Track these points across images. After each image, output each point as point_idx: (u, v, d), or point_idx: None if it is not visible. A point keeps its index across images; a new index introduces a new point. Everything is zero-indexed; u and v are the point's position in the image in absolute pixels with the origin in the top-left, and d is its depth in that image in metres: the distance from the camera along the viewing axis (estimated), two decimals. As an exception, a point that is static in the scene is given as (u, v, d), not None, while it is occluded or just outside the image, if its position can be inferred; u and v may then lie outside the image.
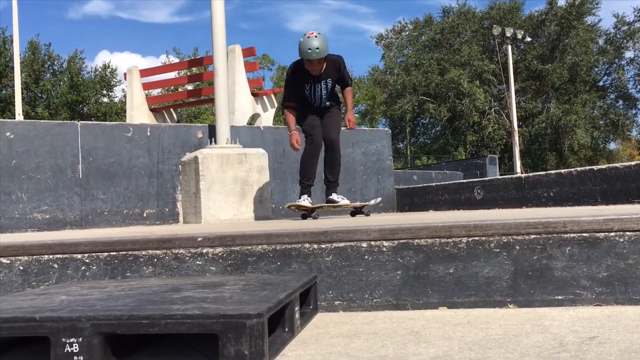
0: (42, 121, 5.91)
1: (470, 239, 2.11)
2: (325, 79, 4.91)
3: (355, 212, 5.10)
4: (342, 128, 5.14)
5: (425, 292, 2.12)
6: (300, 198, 4.93)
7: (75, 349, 1.47)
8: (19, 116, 16.17)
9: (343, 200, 4.98)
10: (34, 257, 2.30)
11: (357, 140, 7.29)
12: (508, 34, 25.76)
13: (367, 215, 4.95)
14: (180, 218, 6.08)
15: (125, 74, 9.65)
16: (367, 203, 5.10)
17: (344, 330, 1.84)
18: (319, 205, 4.98)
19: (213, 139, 5.99)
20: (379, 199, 5.53)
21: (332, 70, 4.91)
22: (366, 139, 7.36)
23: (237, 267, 2.24)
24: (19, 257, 2.30)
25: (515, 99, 27.56)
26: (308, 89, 4.95)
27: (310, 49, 4.61)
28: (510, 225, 2.09)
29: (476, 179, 7.60)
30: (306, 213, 4.88)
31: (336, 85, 5.08)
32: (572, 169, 5.23)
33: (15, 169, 5.43)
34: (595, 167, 5.01)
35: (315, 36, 4.67)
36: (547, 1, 35.29)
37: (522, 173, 18.76)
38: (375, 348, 1.58)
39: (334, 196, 4.98)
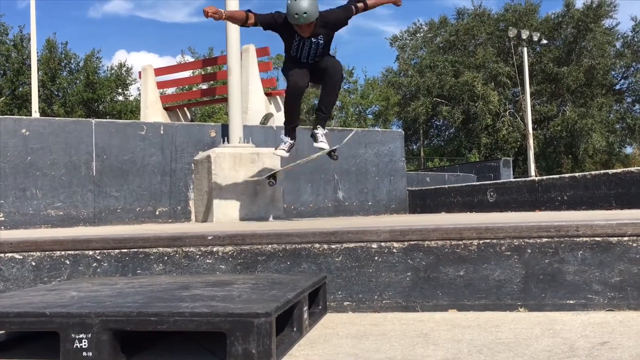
0: (57, 118, 5.97)
1: (481, 242, 2.09)
2: (317, 37, 4.46)
3: (330, 153, 4.98)
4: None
5: (435, 294, 2.11)
6: (283, 138, 4.87)
7: (85, 345, 1.48)
8: (36, 113, 16.34)
9: (322, 142, 4.76)
10: (47, 253, 2.32)
11: (370, 141, 7.27)
12: (524, 36, 25.56)
13: (335, 159, 5.02)
14: (193, 216, 6.11)
15: (140, 73, 9.71)
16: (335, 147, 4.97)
17: (352, 331, 1.83)
18: (289, 166, 5.05)
19: (226, 138, 6.01)
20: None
21: (321, 29, 4.43)
22: (379, 140, 7.34)
23: (247, 266, 2.25)
24: (32, 253, 2.32)
25: (531, 102, 27.35)
26: (296, 44, 4.52)
27: (297, 13, 4.14)
28: (521, 228, 2.07)
29: (489, 182, 7.55)
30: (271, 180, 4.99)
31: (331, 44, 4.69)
32: (587, 173, 5.18)
33: (30, 165, 5.48)
34: (610, 171, 4.95)
35: None
36: (564, 3, 35.01)
37: (536, 176, 18.63)
38: (383, 349, 1.57)
39: (318, 130, 4.75)
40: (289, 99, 4.74)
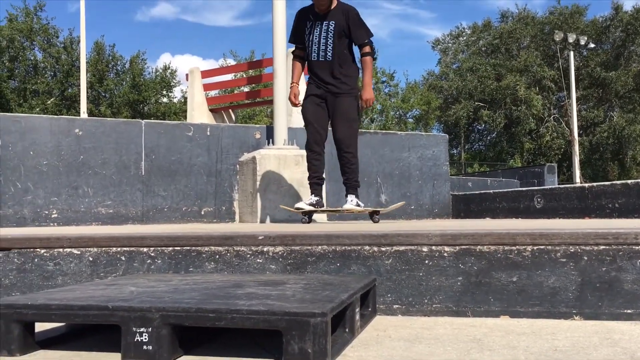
0: (109, 119, 6.13)
1: (535, 248, 2.06)
2: (329, 20, 4.39)
3: (372, 216, 4.56)
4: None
5: (487, 300, 2.08)
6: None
7: (145, 339, 1.52)
8: (84, 114, 16.82)
9: (348, 205, 4.45)
10: (103, 249, 2.39)
11: (414, 145, 7.23)
12: (570, 40, 25.01)
13: (376, 222, 4.39)
14: (237, 217, 6.18)
15: (187, 75, 9.89)
16: (380, 209, 4.56)
17: (404, 334, 1.83)
18: (314, 209, 4.45)
19: (271, 139, 6.07)
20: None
21: (339, 16, 4.38)
22: (422, 144, 7.29)
23: (296, 267, 2.27)
24: (89, 249, 2.39)
25: (576, 107, 26.72)
26: (308, 30, 4.46)
27: None
28: (578, 234, 2.03)
29: (536, 187, 7.41)
30: (304, 218, 4.46)
31: (352, 48, 4.50)
32: (639, 180, 5.04)
33: (83, 164, 5.65)
34: (664, 179, 4.81)
35: None
36: (612, 7, 34.15)
37: (581, 183, 18.18)
38: (437, 353, 1.56)
39: (348, 198, 4.46)
40: (308, 153, 4.54)
